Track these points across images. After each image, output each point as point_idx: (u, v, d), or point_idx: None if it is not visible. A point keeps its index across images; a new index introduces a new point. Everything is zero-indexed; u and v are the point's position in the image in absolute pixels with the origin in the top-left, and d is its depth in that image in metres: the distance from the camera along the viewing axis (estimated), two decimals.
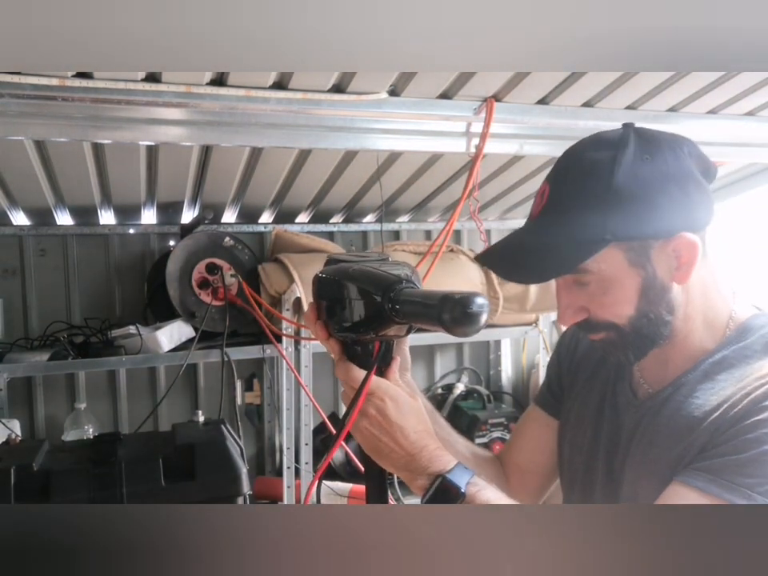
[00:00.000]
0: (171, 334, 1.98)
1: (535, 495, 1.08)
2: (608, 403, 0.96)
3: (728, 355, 0.84)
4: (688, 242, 0.80)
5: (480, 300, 0.57)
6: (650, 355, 0.89)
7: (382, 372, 0.80)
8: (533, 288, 2.27)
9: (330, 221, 2.48)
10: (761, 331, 0.85)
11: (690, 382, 0.85)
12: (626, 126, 0.84)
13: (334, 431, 2.11)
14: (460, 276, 2.22)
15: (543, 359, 2.42)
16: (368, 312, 0.70)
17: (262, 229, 2.37)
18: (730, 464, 0.74)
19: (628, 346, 0.86)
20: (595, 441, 0.95)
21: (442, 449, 0.79)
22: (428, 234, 2.62)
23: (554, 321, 2.71)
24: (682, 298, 0.84)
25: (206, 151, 1.77)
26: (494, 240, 2.70)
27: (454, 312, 0.56)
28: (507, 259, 0.88)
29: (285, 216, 2.36)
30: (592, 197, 0.80)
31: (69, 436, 2.02)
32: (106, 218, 2.19)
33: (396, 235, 2.58)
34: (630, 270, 0.81)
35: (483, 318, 0.57)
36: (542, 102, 1.70)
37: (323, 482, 2.25)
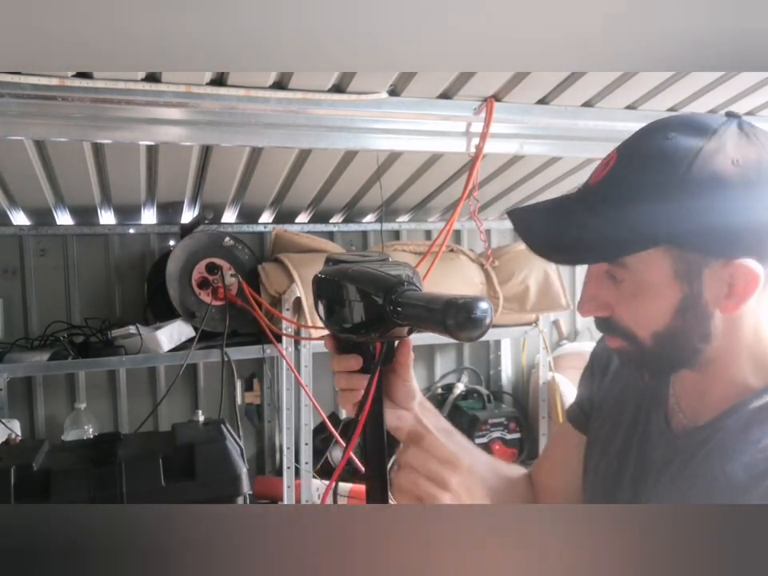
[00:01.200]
0: (171, 334, 1.98)
1: None
2: (639, 430, 0.86)
3: None
4: (749, 271, 0.68)
5: (483, 305, 0.57)
6: (688, 381, 0.81)
7: (382, 371, 0.80)
8: (533, 288, 2.27)
9: (330, 221, 2.49)
10: None
11: (732, 428, 0.74)
12: (731, 115, 0.71)
13: (342, 440, 2.11)
14: (460, 276, 2.22)
15: (543, 359, 2.42)
16: (369, 313, 0.70)
17: (262, 229, 2.37)
18: None
19: (644, 364, 0.78)
20: (621, 470, 0.87)
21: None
22: (428, 234, 2.62)
23: (553, 321, 2.72)
24: (724, 327, 0.73)
25: (206, 151, 1.77)
26: (494, 240, 2.70)
27: (457, 317, 0.56)
28: (547, 230, 0.76)
29: (285, 216, 2.36)
30: (662, 184, 0.68)
31: (69, 436, 2.02)
32: (106, 217, 2.19)
33: (396, 235, 2.58)
34: (673, 283, 0.71)
35: (487, 323, 0.57)
36: (542, 101, 1.70)
37: (322, 481, 2.25)
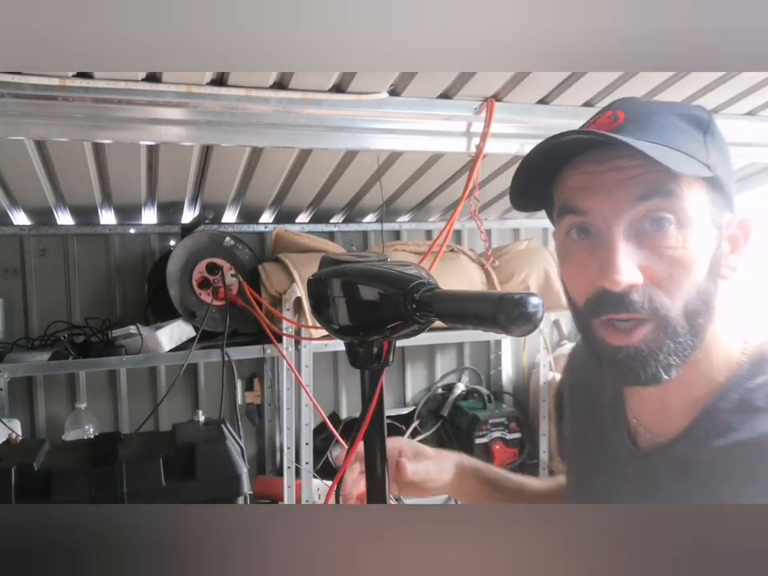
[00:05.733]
0: (172, 334, 1.98)
1: None
2: (604, 454, 0.80)
3: (748, 398, 0.66)
4: (749, 225, 0.67)
5: (536, 300, 0.57)
6: (645, 398, 0.74)
7: (380, 372, 0.80)
8: (533, 288, 2.26)
9: (331, 220, 2.49)
10: None
11: (706, 435, 0.67)
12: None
13: (343, 440, 2.11)
14: (460, 276, 2.22)
15: (544, 359, 2.42)
16: (382, 313, 0.69)
17: (262, 229, 2.37)
18: None
19: (662, 350, 0.65)
20: (594, 493, 0.81)
21: None
22: (428, 234, 2.62)
23: (554, 321, 2.72)
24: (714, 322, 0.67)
25: (207, 151, 1.77)
26: (495, 240, 2.70)
27: (511, 312, 0.56)
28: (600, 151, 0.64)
29: (285, 216, 2.36)
30: (688, 130, 0.66)
31: (69, 436, 2.02)
32: (107, 217, 2.19)
33: (396, 235, 2.58)
34: (711, 228, 0.65)
35: (539, 318, 0.57)
36: (543, 101, 1.70)
37: (323, 481, 2.24)
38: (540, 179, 0.71)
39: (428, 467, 0.86)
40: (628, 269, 0.63)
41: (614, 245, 0.64)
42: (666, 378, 0.65)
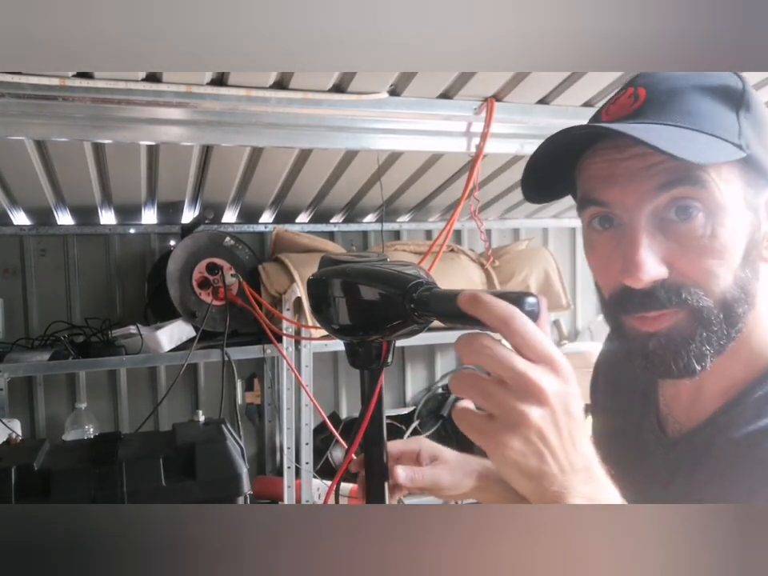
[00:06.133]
0: (171, 334, 1.98)
1: None
2: (631, 441, 0.77)
3: None
4: None
5: (532, 299, 0.58)
6: (679, 387, 0.72)
7: (380, 372, 0.80)
8: (533, 288, 2.27)
9: (331, 220, 2.49)
10: None
11: (732, 421, 0.64)
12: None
13: (343, 440, 2.11)
14: (460, 276, 2.22)
15: None
16: (381, 313, 0.69)
17: (262, 228, 2.37)
18: None
19: (695, 339, 0.62)
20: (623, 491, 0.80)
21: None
22: (428, 234, 2.62)
23: (554, 321, 2.72)
24: (755, 314, 0.64)
25: (207, 151, 1.77)
26: (495, 240, 2.70)
27: None
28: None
29: (285, 216, 2.36)
30: (718, 106, 0.62)
31: (69, 436, 2.03)
32: (107, 217, 2.20)
33: (396, 235, 2.58)
34: (745, 212, 0.61)
35: (534, 317, 0.58)
36: (543, 101, 1.70)
37: (323, 481, 2.24)
38: (557, 169, 0.69)
39: (438, 475, 0.79)
40: (651, 265, 0.60)
41: (637, 239, 0.61)
42: (699, 368, 0.62)
